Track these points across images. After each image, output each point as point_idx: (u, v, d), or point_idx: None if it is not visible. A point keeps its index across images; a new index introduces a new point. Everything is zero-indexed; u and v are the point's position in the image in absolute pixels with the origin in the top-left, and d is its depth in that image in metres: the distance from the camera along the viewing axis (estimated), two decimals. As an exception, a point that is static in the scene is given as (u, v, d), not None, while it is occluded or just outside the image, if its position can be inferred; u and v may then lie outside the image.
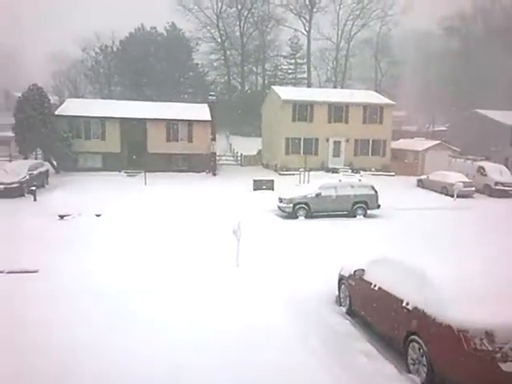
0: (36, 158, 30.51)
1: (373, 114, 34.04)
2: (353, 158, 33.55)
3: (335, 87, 57.56)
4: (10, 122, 29.93)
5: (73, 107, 32.05)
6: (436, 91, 51.65)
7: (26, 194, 21.58)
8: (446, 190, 25.55)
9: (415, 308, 6.53)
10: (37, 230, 15.02)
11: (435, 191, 26.38)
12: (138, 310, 8.34)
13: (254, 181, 25.70)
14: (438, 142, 35.27)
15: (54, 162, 29.49)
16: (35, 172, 23.49)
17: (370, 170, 32.33)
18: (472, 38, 57.23)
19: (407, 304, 6.72)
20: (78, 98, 46.71)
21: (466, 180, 25.63)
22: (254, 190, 25.25)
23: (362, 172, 31.07)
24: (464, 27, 58.94)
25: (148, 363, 6.43)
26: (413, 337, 6.45)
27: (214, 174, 31.78)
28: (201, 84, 57.75)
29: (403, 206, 21.57)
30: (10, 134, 29.01)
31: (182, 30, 58.06)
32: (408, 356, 6.56)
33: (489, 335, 5.53)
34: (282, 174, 31.10)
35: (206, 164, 32.02)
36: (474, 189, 25.62)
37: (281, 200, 19.41)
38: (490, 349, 5.50)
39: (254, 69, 63.10)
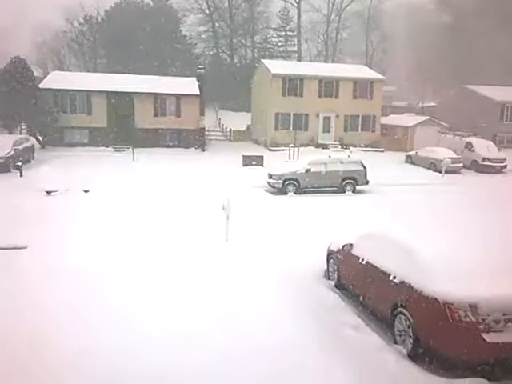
0: (21, 133, 29.88)
1: (363, 88, 33.83)
2: (343, 133, 33.49)
3: (326, 61, 56.87)
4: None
5: (57, 80, 31.18)
6: (427, 66, 51.31)
7: (12, 170, 21.22)
8: (434, 165, 25.75)
9: (402, 281, 6.66)
10: (24, 206, 14.86)
11: (424, 167, 26.59)
12: (124, 287, 8.36)
13: (244, 156, 25.58)
14: (427, 117, 35.32)
15: (40, 137, 28.93)
16: (20, 147, 23.05)
17: (360, 146, 32.35)
18: (464, 12, 56.58)
19: (394, 278, 6.84)
20: (63, 70, 45.50)
21: (454, 156, 25.83)
22: (244, 165, 25.16)
23: (351, 148, 31.08)
24: (456, 1, 58.19)
25: (136, 344, 6.49)
26: (399, 309, 6.60)
27: (203, 150, 31.54)
28: (189, 57, 56.52)
29: (391, 181, 21.73)
30: (-7, 107, 28.26)
31: (170, 1, 56.40)
32: (395, 328, 6.73)
33: (473, 307, 5.68)
34: (272, 150, 30.99)
35: (194, 139, 31.70)
36: (461, 165, 25.87)
37: (270, 176, 19.40)
38: (474, 320, 5.66)
39: (243, 41, 61.84)
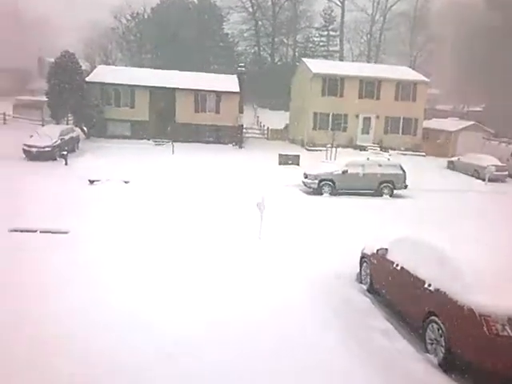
0: (67, 124, 31.14)
1: (406, 90, 33.00)
2: (382, 135, 32.83)
3: (368, 61, 55.85)
4: (43, 87, 30.53)
5: (104, 74, 32.32)
6: (474, 70, 49.40)
7: (58, 158, 22.21)
8: (477, 173, 24.82)
9: (437, 289, 6.52)
10: (68, 193, 15.57)
11: (466, 174, 25.68)
12: (158, 278, 8.58)
13: (280, 155, 25.58)
14: (471, 122, 34.02)
15: (85, 128, 30.06)
16: (66, 137, 24.06)
17: (400, 149, 31.61)
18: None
19: (429, 285, 6.71)
20: (109, 65, 47.01)
21: (499, 163, 24.78)
22: (280, 164, 25.17)
23: (391, 151, 30.43)
24: (509, 2, 55.61)
25: (170, 335, 6.68)
26: (432, 317, 6.46)
27: (241, 147, 31.77)
28: (230, 54, 57.03)
29: (431, 187, 21.15)
30: (44, 98, 29.57)
31: (214, -1, 57.12)
32: (426, 336, 6.60)
33: (511, 321, 5.49)
34: (309, 150, 30.81)
35: (232, 136, 32.00)
36: (506, 173, 24.79)
37: (306, 176, 19.32)
38: (512, 335, 5.47)
39: (285, 40, 61.66)
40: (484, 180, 23.32)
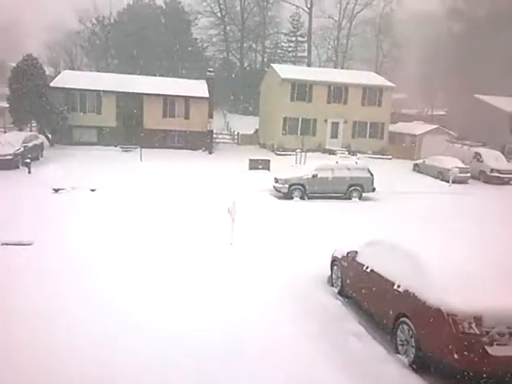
0: (31, 130, 30.15)
1: (372, 95, 33.74)
2: (350, 139, 33.40)
3: (335, 67, 56.83)
4: (4, 93, 29.43)
5: (68, 79, 31.47)
6: (437, 75, 51.16)
7: (21, 166, 21.40)
8: (441, 175, 25.59)
9: (406, 291, 6.61)
10: (31, 203, 15.00)
11: (431, 176, 26.43)
12: (126, 288, 8.35)
13: (250, 160, 25.58)
14: (435, 126, 35.14)
15: (49, 135, 29.15)
16: (30, 144, 23.24)
17: (367, 153, 32.23)
18: (476, 21, 56.33)
19: (398, 287, 6.80)
20: (74, 70, 45.90)
21: (462, 166, 25.64)
22: (250, 169, 25.16)
23: (359, 154, 30.95)
24: (467, 10, 57.98)
25: (135, 345, 6.50)
26: (403, 319, 6.55)
27: (210, 152, 31.59)
28: (199, 60, 56.72)
29: (398, 189, 21.64)
30: (5, 104, 28.52)
31: (181, 3, 56.74)
32: (397, 337, 6.68)
33: (477, 319, 5.62)
34: (279, 154, 30.97)
35: (202, 142, 31.78)
36: (469, 175, 25.68)
37: (276, 180, 19.39)
38: (478, 332, 5.60)
39: (254, 46, 61.99)
40: (448, 182, 24.06)
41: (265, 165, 25.40)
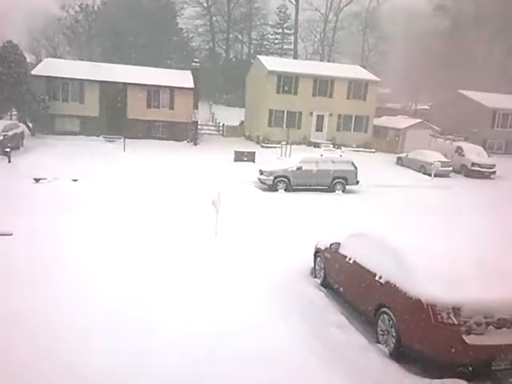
0: (11, 119, 29.46)
1: (357, 89, 33.91)
2: (335, 133, 33.57)
3: (322, 60, 56.87)
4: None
5: (50, 67, 30.77)
6: (422, 70, 51.63)
7: (0, 156, 20.93)
8: (424, 168, 25.95)
9: (387, 282, 6.71)
10: (11, 192, 14.69)
11: (414, 169, 26.79)
12: (109, 281, 8.24)
13: (235, 152, 25.52)
14: (419, 120, 35.54)
15: (30, 124, 28.54)
16: (10, 133, 22.70)
17: (352, 146, 32.47)
18: (461, 18, 56.96)
19: (380, 278, 6.89)
20: (56, 58, 44.88)
21: (444, 160, 26.04)
22: (235, 161, 25.11)
23: (343, 147, 31.16)
24: (454, 7, 58.56)
25: (118, 342, 6.46)
26: (383, 309, 6.65)
27: (195, 144, 31.40)
28: (184, 50, 56.08)
29: (381, 182, 21.87)
30: (-16, 92, 27.80)
31: (167, -8, 55.90)
32: (378, 327, 6.78)
33: (455, 310, 5.75)
34: (264, 147, 30.96)
35: (187, 133, 31.54)
36: (451, 169, 26.10)
37: (261, 172, 19.40)
38: (456, 322, 5.72)
39: (240, 37, 61.53)
40: (430, 175, 24.42)
41: (250, 157, 25.37)
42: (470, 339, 5.67)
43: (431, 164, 24.67)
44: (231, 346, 6.20)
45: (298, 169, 19.12)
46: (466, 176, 26.60)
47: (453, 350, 5.68)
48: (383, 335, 6.66)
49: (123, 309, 7.07)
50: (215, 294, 7.97)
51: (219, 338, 6.40)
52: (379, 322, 6.76)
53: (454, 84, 44.00)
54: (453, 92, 40.51)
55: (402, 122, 35.50)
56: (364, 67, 42.43)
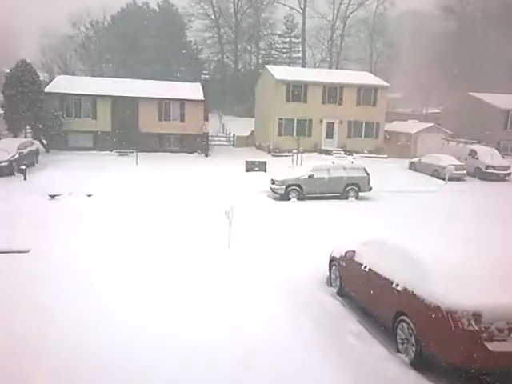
0: (25, 137, 30.02)
1: (367, 95, 33.83)
2: (346, 139, 33.47)
3: (330, 67, 57.00)
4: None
5: (63, 84, 31.39)
6: (431, 73, 51.35)
7: (16, 173, 21.25)
8: (437, 172, 25.66)
9: (405, 289, 6.62)
10: (27, 209, 14.91)
11: (427, 174, 26.49)
12: (125, 293, 8.31)
13: (247, 162, 25.58)
14: (430, 124, 35.26)
15: (44, 141, 29.04)
16: (25, 151, 23.11)
17: (363, 152, 32.32)
18: (469, 19, 56.63)
19: (397, 285, 6.80)
20: (69, 75, 45.81)
21: (458, 163, 25.73)
22: (247, 171, 25.16)
23: (354, 154, 31.06)
24: (461, 8, 58.28)
25: (137, 348, 6.48)
26: (402, 317, 6.55)
27: (206, 155, 31.58)
28: (194, 62, 56.83)
29: (395, 188, 21.67)
30: (-1, 111, 28.48)
31: (175, 6, 56.80)
32: (397, 336, 6.68)
33: (476, 316, 5.63)
34: (275, 156, 30.99)
35: (198, 144, 31.77)
36: (465, 172, 25.75)
37: (273, 181, 19.39)
38: (477, 329, 5.60)
39: (248, 47, 62.15)
40: (444, 179, 24.13)
41: (261, 166, 25.41)
42: (492, 346, 5.54)
43: (445, 168, 24.40)
44: (247, 352, 6.17)
45: (309, 177, 19.07)
46: (480, 179, 26.22)
47: (475, 358, 5.55)
48: (403, 344, 6.55)
49: (141, 320, 7.10)
50: (230, 305, 7.95)
51: (236, 348, 6.36)
52: (398, 330, 6.65)
53: (465, 86, 43.66)
54: (464, 94, 40.16)
55: (413, 126, 35.27)
56: (373, 73, 42.41)
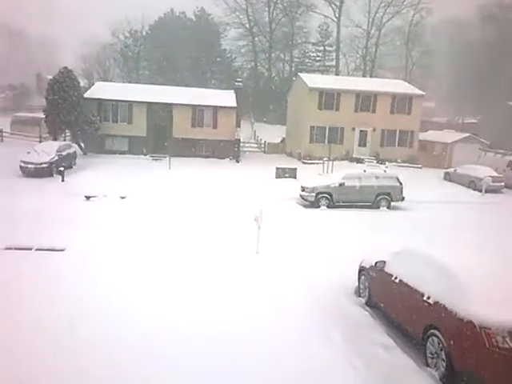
0: (64, 140, 31.18)
1: (401, 104, 33.26)
2: (379, 148, 32.97)
3: (364, 76, 56.41)
4: (41, 104, 30.61)
5: (101, 90, 32.52)
6: (468, 83, 49.92)
7: (55, 175, 22.15)
8: (473, 184, 24.86)
9: (436, 302, 6.45)
10: (64, 210, 15.47)
11: (463, 185, 25.71)
12: (156, 294, 8.49)
13: (277, 169, 25.60)
14: (467, 134, 34.22)
15: (82, 144, 30.10)
16: (64, 153, 24.05)
17: (396, 161, 31.72)
18: (509, 27, 54.79)
19: (428, 298, 6.64)
20: (107, 81, 47.37)
21: (495, 174, 24.85)
22: (277, 177, 25.17)
23: (387, 163, 30.51)
24: (501, 16, 56.49)
25: (167, 352, 6.58)
26: (432, 331, 6.38)
27: (238, 161, 31.83)
28: (228, 70, 57.59)
29: (428, 199, 21.15)
30: (41, 115, 29.66)
31: (211, 15, 57.85)
32: (427, 350, 6.50)
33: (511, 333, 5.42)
34: (306, 163, 30.87)
35: (229, 150, 32.08)
36: (503, 184, 24.84)
37: (303, 189, 19.32)
38: (513, 347, 5.39)
39: (282, 55, 62.41)
40: (481, 191, 23.35)
41: (291, 173, 25.37)
42: (528, 366, 5.31)
43: (481, 179, 23.61)
44: (274, 360, 6.16)
45: (340, 185, 18.89)
46: (519, 191, 25.21)
47: (509, 378, 5.33)
48: (432, 358, 6.37)
49: (171, 323, 7.22)
50: (259, 312, 7.95)
51: (264, 355, 6.36)
52: (428, 344, 6.48)
53: (503, 96, 42.16)
54: (502, 104, 38.81)
55: (449, 136, 34.31)
56: (408, 81, 41.65)
